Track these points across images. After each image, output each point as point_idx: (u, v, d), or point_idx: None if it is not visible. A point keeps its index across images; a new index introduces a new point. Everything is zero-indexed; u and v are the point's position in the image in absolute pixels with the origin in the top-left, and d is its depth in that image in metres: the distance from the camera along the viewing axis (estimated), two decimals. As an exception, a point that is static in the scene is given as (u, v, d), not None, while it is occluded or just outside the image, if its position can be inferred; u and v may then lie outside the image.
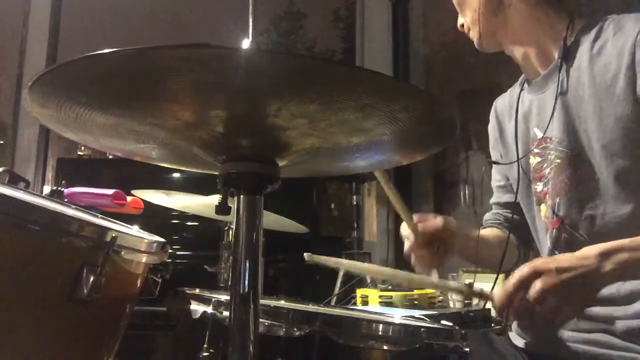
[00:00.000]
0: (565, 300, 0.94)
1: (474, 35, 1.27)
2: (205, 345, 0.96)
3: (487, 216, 1.47)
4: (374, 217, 3.28)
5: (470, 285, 1.14)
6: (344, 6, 4.50)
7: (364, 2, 3.60)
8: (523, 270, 0.95)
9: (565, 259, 0.98)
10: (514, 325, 1.29)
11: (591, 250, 0.97)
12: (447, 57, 3.60)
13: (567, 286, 0.93)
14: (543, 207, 1.23)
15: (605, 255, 0.96)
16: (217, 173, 0.78)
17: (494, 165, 1.46)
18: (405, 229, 1.28)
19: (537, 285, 0.93)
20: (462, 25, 1.31)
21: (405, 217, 1.26)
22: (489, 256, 1.36)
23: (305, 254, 1.14)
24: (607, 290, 1.03)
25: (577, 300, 0.96)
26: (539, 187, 1.23)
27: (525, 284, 0.94)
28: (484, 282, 2.04)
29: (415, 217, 1.27)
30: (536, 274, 0.94)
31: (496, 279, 1.40)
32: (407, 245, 1.28)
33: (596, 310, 1.08)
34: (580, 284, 0.94)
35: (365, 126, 0.71)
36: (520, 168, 1.27)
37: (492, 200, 1.48)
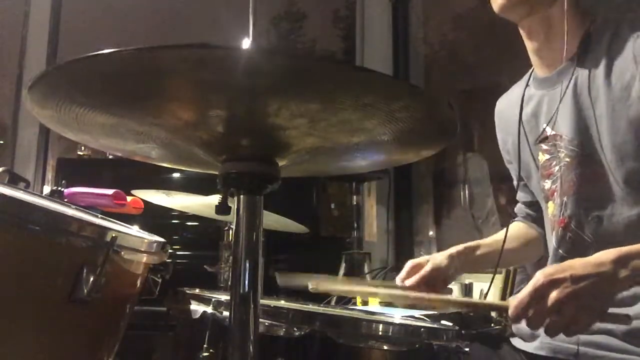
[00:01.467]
0: (581, 309, 0.92)
1: None
2: (205, 345, 0.96)
3: (517, 209, 1.47)
4: (374, 217, 3.28)
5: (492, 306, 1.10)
6: (344, 6, 4.49)
7: (364, 2, 3.60)
8: (538, 279, 0.94)
9: (580, 265, 0.96)
10: (514, 326, 1.28)
11: (607, 256, 0.96)
12: (447, 57, 3.60)
13: (583, 295, 0.92)
14: (550, 204, 1.22)
15: (621, 261, 0.95)
16: (217, 173, 0.78)
17: (508, 166, 1.46)
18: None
19: (552, 296, 0.92)
20: None
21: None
22: (495, 261, 1.36)
23: (309, 285, 1.11)
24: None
25: (594, 308, 0.94)
26: (547, 184, 1.23)
27: (540, 294, 0.93)
28: (484, 283, 2.05)
29: (409, 264, 1.26)
30: (551, 284, 0.93)
31: (492, 279, 1.41)
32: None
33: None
34: (596, 292, 0.93)
35: (366, 126, 0.71)
36: (530, 165, 1.26)
37: (517, 197, 1.48)
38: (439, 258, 1.28)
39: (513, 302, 0.95)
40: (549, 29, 1.19)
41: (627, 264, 0.95)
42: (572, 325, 0.94)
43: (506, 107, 1.38)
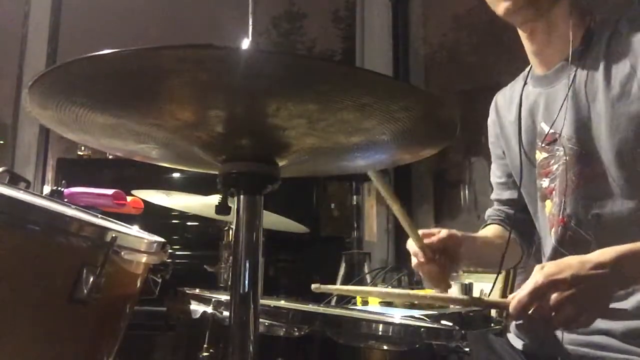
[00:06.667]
0: (580, 309, 0.93)
1: None
2: (205, 345, 0.96)
3: (489, 212, 1.46)
4: (374, 217, 3.28)
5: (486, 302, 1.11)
6: (344, 6, 4.50)
7: (364, 2, 3.60)
8: (537, 279, 0.94)
9: (578, 265, 0.96)
10: (512, 327, 1.28)
11: (606, 257, 0.96)
12: (447, 57, 3.60)
13: (583, 297, 0.93)
14: (548, 203, 1.22)
15: (620, 262, 0.95)
16: (217, 173, 0.78)
17: (493, 162, 1.45)
18: (412, 246, 1.25)
19: (553, 297, 0.93)
20: None
21: (411, 234, 1.23)
22: (491, 257, 1.36)
23: (313, 286, 1.12)
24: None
25: (592, 307, 0.95)
26: (544, 182, 1.22)
27: (540, 294, 0.94)
28: (484, 282, 2.05)
29: (419, 232, 1.25)
30: (551, 284, 0.93)
31: (495, 279, 1.40)
32: (414, 262, 1.26)
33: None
34: (595, 293, 0.94)
35: (365, 126, 0.71)
36: (524, 163, 1.26)
37: (493, 196, 1.47)
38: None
39: (513, 300, 0.95)
40: (551, 31, 1.19)
41: (626, 264, 0.96)
42: (572, 324, 0.95)
43: (504, 102, 1.38)
